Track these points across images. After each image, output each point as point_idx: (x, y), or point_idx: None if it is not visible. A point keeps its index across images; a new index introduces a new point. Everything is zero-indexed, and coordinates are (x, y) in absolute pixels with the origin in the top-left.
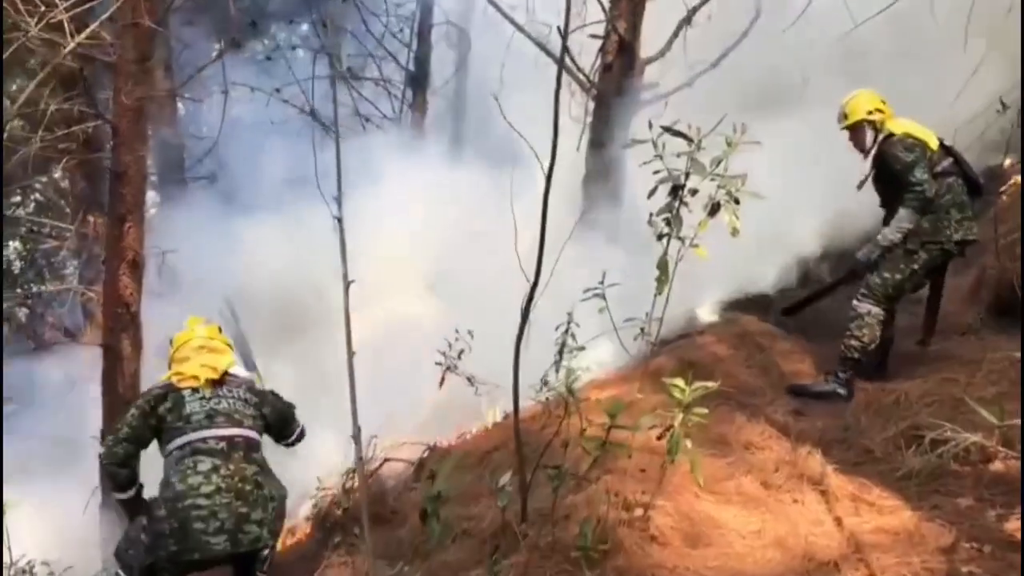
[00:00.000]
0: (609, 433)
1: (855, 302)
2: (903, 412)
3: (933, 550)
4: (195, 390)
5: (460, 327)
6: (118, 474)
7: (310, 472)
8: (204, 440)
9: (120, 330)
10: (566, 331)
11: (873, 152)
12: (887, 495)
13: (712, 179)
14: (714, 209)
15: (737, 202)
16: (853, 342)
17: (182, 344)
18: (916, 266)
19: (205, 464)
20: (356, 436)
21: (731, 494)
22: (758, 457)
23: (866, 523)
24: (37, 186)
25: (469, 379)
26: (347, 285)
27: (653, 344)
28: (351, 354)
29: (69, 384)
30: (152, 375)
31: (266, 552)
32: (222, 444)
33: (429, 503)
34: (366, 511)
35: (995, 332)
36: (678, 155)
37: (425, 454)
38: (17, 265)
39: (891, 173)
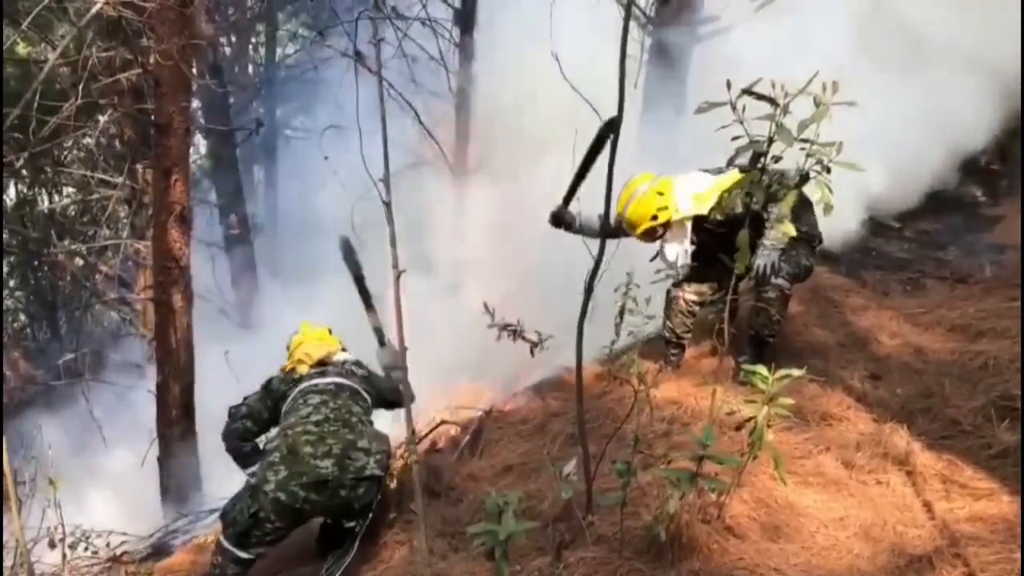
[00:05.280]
0: (701, 464)
1: (780, 280)
2: (991, 378)
3: None
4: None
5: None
6: (240, 448)
7: None
8: (315, 385)
9: (170, 284)
10: (626, 292)
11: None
12: (980, 476)
13: (801, 147)
14: (802, 180)
15: (828, 171)
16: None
17: (297, 346)
18: None
19: (315, 399)
20: (411, 438)
21: (810, 475)
22: (836, 431)
23: (959, 509)
24: (88, 138)
25: (531, 343)
26: (397, 275)
27: (733, 332)
28: (404, 348)
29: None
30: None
31: (368, 497)
32: (331, 386)
33: (498, 546)
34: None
35: None
36: (759, 117)
37: (480, 420)
38: (71, 212)
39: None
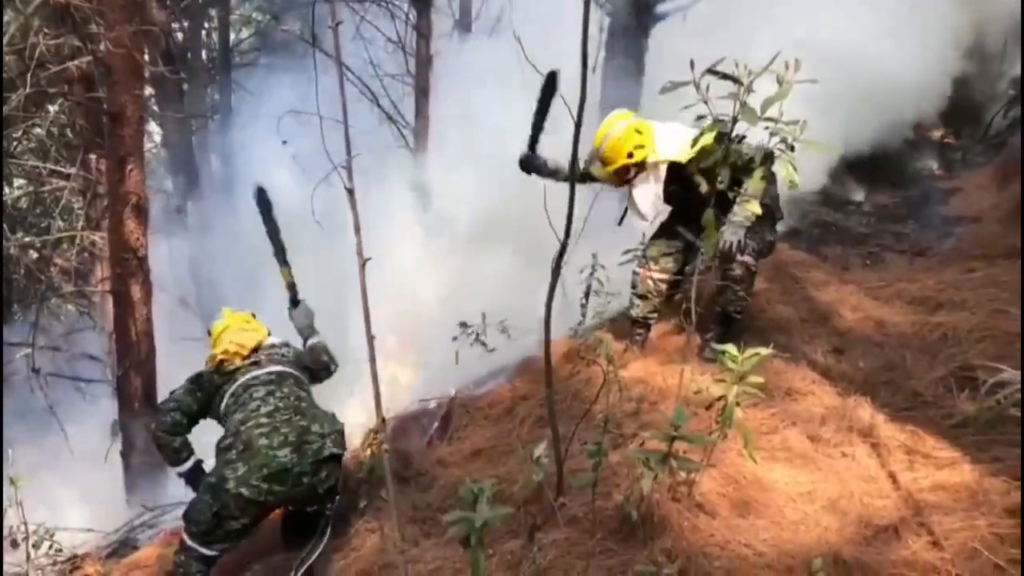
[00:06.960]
0: (672, 445)
1: (747, 257)
2: (951, 349)
3: (1000, 511)
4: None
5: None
6: (169, 443)
7: None
8: (256, 378)
9: (128, 275)
10: (592, 273)
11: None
12: (942, 446)
13: (765, 126)
14: (767, 159)
15: (792, 149)
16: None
17: (219, 333)
18: None
19: (260, 392)
20: (380, 426)
21: (777, 450)
22: (802, 406)
23: (923, 479)
24: (38, 128)
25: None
26: (363, 263)
27: (700, 311)
28: (371, 337)
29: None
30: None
31: (331, 480)
32: (272, 376)
33: (473, 533)
34: (394, 505)
35: None
36: (722, 97)
37: (449, 405)
38: (23, 204)
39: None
